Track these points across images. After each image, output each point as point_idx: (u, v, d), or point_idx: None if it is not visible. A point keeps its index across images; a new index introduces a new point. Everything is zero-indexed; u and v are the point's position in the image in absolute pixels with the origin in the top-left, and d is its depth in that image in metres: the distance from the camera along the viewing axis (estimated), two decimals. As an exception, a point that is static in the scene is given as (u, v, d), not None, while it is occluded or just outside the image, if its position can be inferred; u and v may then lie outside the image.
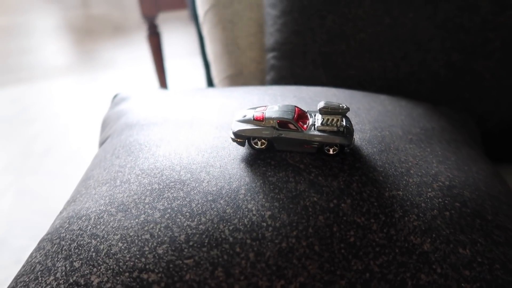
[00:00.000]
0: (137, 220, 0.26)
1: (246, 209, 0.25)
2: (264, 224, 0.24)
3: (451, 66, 0.52)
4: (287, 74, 0.55)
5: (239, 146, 0.30)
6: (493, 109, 0.53)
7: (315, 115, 0.30)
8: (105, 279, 0.23)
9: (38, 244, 0.28)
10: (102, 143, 0.43)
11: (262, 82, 0.65)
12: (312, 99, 0.38)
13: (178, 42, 2.32)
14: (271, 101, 0.39)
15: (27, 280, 0.25)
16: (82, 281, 0.23)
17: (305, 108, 0.36)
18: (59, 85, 1.95)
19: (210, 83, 0.78)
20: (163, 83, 1.45)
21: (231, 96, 0.42)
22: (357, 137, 0.31)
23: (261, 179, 0.27)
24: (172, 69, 2.00)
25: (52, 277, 0.24)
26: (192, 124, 0.35)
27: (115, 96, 0.51)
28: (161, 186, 0.28)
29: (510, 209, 0.29)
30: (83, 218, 0.27)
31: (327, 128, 0.28)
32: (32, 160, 1.47)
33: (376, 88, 0.53)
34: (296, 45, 0.55)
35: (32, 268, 0.26)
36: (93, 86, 1.90)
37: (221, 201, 0.26)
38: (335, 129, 0.28)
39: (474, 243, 0.25)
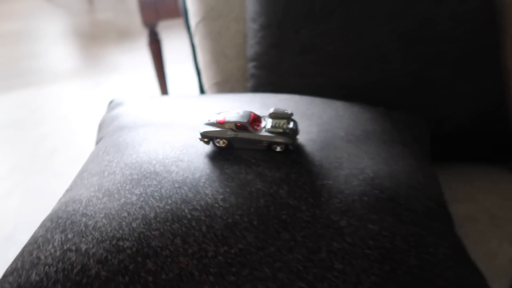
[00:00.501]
0: (118, 202, 0.32)
1: (203, 194, 0.32)
2: (216, 205, 0.31)
3: (410, 75, 0.58)
4: (265, 82, 0.62)
5: (205, 145, 0.37)
6: (449, 114, 0.59)
7: (267, 119, 0.37)
8: (91, 246, 0.30)
9: (41, 223, 0.35)
10: (97, 142, 0.50)
11: (246, 88, 0.72)
12: (275, 105, 0.45)
13: (180, 48, 2.40)
14: (241, 107, 0.46)
15: (31, 248, 0.32)
16: (73, 248, 0.30)
17: (263, 113, 0.43)
18: (66, 89, 2.03)
19: (201, 88, 0.85)
20: (163, 88, 1.52)
21: (209, 102, 0.49)
22: (303, 137, 0.38)
23: (219, 170, 0.34)
24: (173, 74, 2.07)
25: (50, 246, 0.31)
26: (171, 126, 0.42)
27: (111, 102, 0.58)
28: (139, 176, 0.34)
29: (423, 196, 0.35)
30: (76, 202, 0.34)
31: (275, 130, 0.35)
32: (39, 160, 1.55)
33: (343, 95, 0.59)
34: (273, 56, 0.61)
35: (35, 240, 0.32)
36: (98, 90, 1.98)
37: (185, 188, 0.32)
38: (282, 130, 0.35)
39: (382, 220, 0.31)
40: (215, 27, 0.75)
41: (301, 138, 0.38)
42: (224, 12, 0.75)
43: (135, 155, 0.37)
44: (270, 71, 0.61)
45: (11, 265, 0.32)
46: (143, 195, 0.32)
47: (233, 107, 0.45)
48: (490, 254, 0.51)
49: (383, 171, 0.36)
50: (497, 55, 0.61)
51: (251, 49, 0.64)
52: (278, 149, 0.35)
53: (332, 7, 0.59)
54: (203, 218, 0.30)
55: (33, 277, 0.29)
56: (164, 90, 1.49)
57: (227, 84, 0.75)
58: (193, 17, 0.79)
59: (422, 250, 0.31)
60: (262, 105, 0.45)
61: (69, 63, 2.36)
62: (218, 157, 0.35)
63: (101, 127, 0.53)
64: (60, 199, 0.37)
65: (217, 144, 0.36)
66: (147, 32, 1.43)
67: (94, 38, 2.77)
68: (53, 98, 1.97)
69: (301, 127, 0.40)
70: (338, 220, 0.31)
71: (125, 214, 0.31)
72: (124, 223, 0.30)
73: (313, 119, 0.41)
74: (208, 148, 0.37)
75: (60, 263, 0.29)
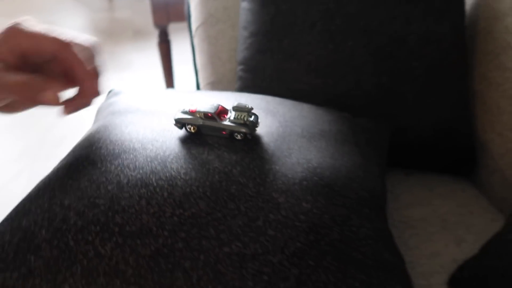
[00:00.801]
0: (99, 170, 0.39)
1: (170, 168, 0.38)
2: (179, 177, 0.37)
3: (380, 87, 0.64)
4: (250, 84, 0.68)
5: (179, 129, 0.44)
6: (415, 124, 0.65)
7: (232, 112, 0.43)
8: (72, 201, 0.36)
9: (35, 185, 0.42)
10: (93, 124, 0.57)
11: (234, 88, 0.78)
12: (247, 102, 0.51)
13: (188, 49, 2.47)
14: (219, 102, 0.52)
15: (25, 202, 0.38)
16: (58, 202, 0.37)
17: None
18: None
19: (198, 87, 0.92)
20: (170, 85, 1.60)
21: (193, 96, 0.55)
22: (263, 130, 0.44)
23: (186, 151, 0.40)
24: (180, 73, 2.15)
25: (40, 200, 0.38)
26: (154, 113, 0.49)
27: (109, 91, 0.65)
28: (119, 151, 0.41)
29: (359, 187, 0.41)
30: (66, 168, 0.41)
31: (237, 121, 0.41)
32: (46, 147, 1.63)
33: (319, 101, 0.65)
34: (258, 62, 0.68)
35: (29, 196, 0.39)
36: (110, 85, 2.07)
37: (155, 162, 0.39)
38: (242, 122, 0.41)
39: (316, 201, 0.37)
40: (213, 32, 0.82)
41: (261, 130, 0.44)
42: (222, 19, 0.81)
43: (120, 134, 0.44)
44: (255, 75, 0.68)
45: (8, 214, 0.38)
46: (120, 165, 0.39)
47: (216, 102, 0.51)
48: (435, 253, 0.56)
49: (327, 163, 0.42)
50: (464, 74, 0.67)
51: (240, 53, 0.71)
52: (238, 137, 0.41)
53: (314, 20, 0.65)
54: (166, 186, 0.37)
55: (24, 223, 0.36)
56: (170, 87, 1.56)
57: (220, 84, 0.81)
58: (195, 21, 0.86)
59: (346, 228, 0.37)
60: (237, 101, 0.51)
61: (83, 57, 2.44)
62: (187, 140, 0.42)
63: (98, 112, 0.59)
64: (54, 167, 0.44)
65: (188, 130, 0.42)
66: (158, 32, 1.51)
67: (111, 35, 2.87)
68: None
69: (263, 121, 0.46)
70: (278, 197, 0.37)
71: (103, 179, 0.38)
72: (101, 185, 0.37)
73: (276, 116, 0.48)
74: (181, 132, 0.43)
75: (46, 213, 0.36)
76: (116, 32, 2.90)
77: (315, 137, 0.46)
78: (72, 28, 2.94)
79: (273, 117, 0.48)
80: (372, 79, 0.64)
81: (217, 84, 0.82)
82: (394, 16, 0.64)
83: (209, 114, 0.41)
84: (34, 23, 0.37)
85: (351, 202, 0.39)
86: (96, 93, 0.39)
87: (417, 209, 0.64)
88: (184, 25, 2.88)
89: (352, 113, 0.65)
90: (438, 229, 0.61)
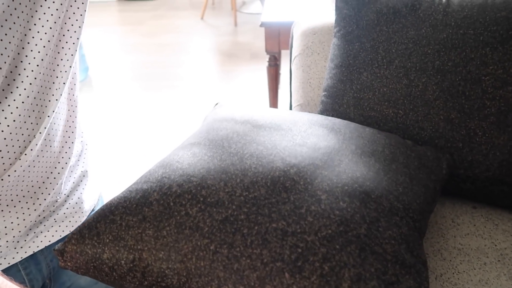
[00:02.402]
0: (197, 158, 0.54)
1: (244, 162, 0.52)
2: (250, 169, 0.50)
3: (449, 121, 0.70)
4: (329, 108, 0.79)
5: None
6: (482, 158, 0.69)
7: None
8: (177, 177, 0.52)
9: (154, 165, 0.59)
10: (201, 127, 0.74)
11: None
12: (321, 121, 0.63)
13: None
14: (302, 119, 0.65)
15: (147, 174, 0.55)
16: (167, 176, 0.52)
17: None
18: (201, 93, 2.43)
19: (290, 107, 1.05)
20: (274, 105, 1.77)
21: (278, 114, 0.69)
22: (322, 143, 0.55)
23: (259, 152, 0.53)
24: (282, 94, 2.32)
25: (156, 174, 0.54)
26: (242, 122, 0.63)
27: (216, 104, 0.82)
28: (212, 147, 0.56)
29: (394, 199, 0.49)
30: (175, 155, 0.57)
31: None
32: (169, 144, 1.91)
33: (388, 128, 0.73)
34: (338, 90, 0.78)
35: (149, 171, 0.56)
36: (224, 98, 2.34)
37: (235, 157, 0.53)
38: None
39: (351, 202, 0.47)
40: (307, 61, 0.95)
41: (321, 143, 0.55)
42: (316, 51, 0.94)
43: (214, 135, 0.59)
44: (335, 101, 0.79)
45: (136, 180, 0.56)
46: (211, 157, 0.54)
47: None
48: (483, 281, 0.60)
49: (370, 175, 0.51)
50: (542, 117, 0.68)
51: (325, 81, 0.83)
52: None
53: (393, 57, 0.74)
54: (239, 174, 0.50)
55: (144, 186, 0.52)
56: (273, 106, 1.73)
57: (307, 106, 0.94)
58: (294, 51, 1.00)
59: (373, 227, 0.46)
60: (311, 120, 0.63)
61: (207, 74, 2.79)
62: (264, 143, 0.55)
63: (205, 119, 0.77)
64: (168, 153, 0.61)
65: None
66: (268, 57, 1.70)
67: (231, 56, 3.20)
68: (190, 99, 2.38)
69: (325, 137, 0.57)
70: (321, 195, 0.47)
71: (199, 164, 0.53)
72: (196, 168, 0.52)
73: (337, 135, 0.58)
74: (259, 138, 0.56)
75: (159, 183, 0.52)
76: (237, 54, 3.23)
77: (366, 154, 0.55)
78: (200, 48, 3.35)
79: (334, 135, 0.58)
80: (441, 113, 0.70)
81: (305, 106, 0.94)
82: (470, 58, 0.70)
83: None
84: None
85: (383, 208, 0.48)
86: None
87: (476, 239, 0.67)
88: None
89: (419, 143, 0.71)
90: (493, 260, 0.63)
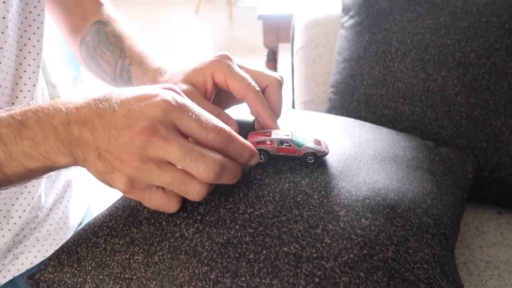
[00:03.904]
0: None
1: (248, 173, 0.44)
2: (254, 181, 0.43)
3: (472, 119, 0.63)
4: (338, 106, 0.72)
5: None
6: (509, 160, 0.62)
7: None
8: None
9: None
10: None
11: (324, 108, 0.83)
12: (330, 122, 0.56)
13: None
14: (307, 120, 0.58)
15: (135, 187, 0.48)
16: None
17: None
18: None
19: (293, 104, 0.98)
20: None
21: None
22: (337, 149, 0.48)
23: (266, 164, 0.46)
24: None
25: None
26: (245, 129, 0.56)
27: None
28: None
29: (423, 213, 0.42)
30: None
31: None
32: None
33: (404, 127, 0.66)
34: (348, 85, 0.71)
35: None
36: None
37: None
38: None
39: (375, 219, 0.40)
40: (312, 55, 0.88)
41: (335, 148, 0.48)
42: (321, 43, 0.87)
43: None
44: (344, 98, 0.72)
45: (122, 195, 0.48)
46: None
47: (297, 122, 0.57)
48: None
49: (393, 185, 0.44)
50: None
51: (333, 76, 0.75)
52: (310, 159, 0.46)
53: (408, 49, 0.67)
54: (242, 187, 0.43)
55: (132, 202, 0.45)
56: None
57: (312, 104, 0.86)
58: (296, 44, 0.93)
59: (402, 249, 0.39)
60: (318, 122, 0.56)
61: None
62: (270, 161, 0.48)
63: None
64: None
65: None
66: (267, 51, 1.63)
67: (227, 51, 3.12)
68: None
69: (338, 140, 0.50)
70: (338, 210, 0.40)
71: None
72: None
73: (352, 138, 0.51)
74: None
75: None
76: (233, 49, 3.15)
77: (387, 161, 0.48)
78: (194, 42, 3.27)
79: (348, 138, 0.51)
80: (463, 110, 0.63)
81: (309, 104, 0.87)
82: (495, 48, 0.63)
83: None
84: (236, 63, 0.46)
85: (412, 225, 0.41)
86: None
87: (504, 250, 0.61)
88: (288, 47, 3.00)
89: (439, 142, 0.65)
90: (525, 274, 0.57)
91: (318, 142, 0.45)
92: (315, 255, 0.37)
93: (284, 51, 2.95)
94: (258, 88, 0.45)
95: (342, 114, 0.71)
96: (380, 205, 0.41)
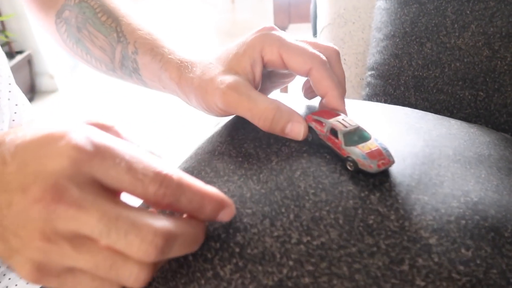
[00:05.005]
0: (222, 178, 0.36)
1: (297, 185, 0.34)
2: (307, 197, 0.33)
3: (550, 104, 0.52)
4: (380, 92, 0.61)
5: (307, 141, 0.39)
6: None
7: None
8: (193, 211, 0.34)
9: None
10: (215, 125, 0.56)
11: (360, 96, 0.71)
12: (379, 112, 0.45)
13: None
14: (348, 110, 0.47)
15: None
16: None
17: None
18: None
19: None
20: (284, 91, 1.58)
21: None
22: (406, 150, 0.37)
23: (315, 167, 0.35)
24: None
25: (162, 205, 0.36)
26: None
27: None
28: (242, 160, 0.38)
29: (536, 235, 0.32)
30: (188, 173, 0.39)
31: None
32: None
33: (465, 116, 0.55)
34: (392, 67, 0.60)
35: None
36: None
37: (281, 177, 0.35)
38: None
39: (479, 248, 0.29)
40: (340, 33, 0.76)
41: (403, 149, 0.37)
42: (351, 19, 0.75)
43: (242, 140, 0.41)
44: (387, 82, 0.60)
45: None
46: (243, 176, 0.36)
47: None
48: None
49: (490, 198, 0.33)
50: None
51: (371, 57, 0.64)
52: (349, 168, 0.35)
53: (467, 21, 0.55)
54: (292, 206, 0.32)
55: (145, 227, 0.35)
56: (283, 89, 1.54)
57: (343, 90, 0.75)
58: (321, 22, 0.81)
59: (521, 290, 0.28)
60: (371, 113, 0.45)
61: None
62: (316, 153, 0.37)
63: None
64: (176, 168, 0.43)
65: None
66: (276, 33, 1.50)
67: (231, 35, 2.99)
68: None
69: (404, 138, 0.39)
70: (428, 237, 0.30)
71: (226, 190, 0.35)
72: (223, 197, 0.34)
73: (420, 134, 0.40)
74: (306, 145, 0.39)
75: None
76: (237, 33, 3.01)
77: (471, 163, 0.37)
78: (197, 27, 3.13)
79: (416, 134, 0.40)
80: (539, 93, 0.52)
81: (339, 90, 0.76)
82: None
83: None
84: (283, 34, 0.37)
85: (526, 254, 0.30)
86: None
87: None
88: (300, 27, 2.86)
89: (508, 134, 0.54)
90: None
91: (373, 153, 0.34)
92: (405, 304, 0.27)
93: (295, 32, 2.81)
94: (325, 59, 0.35)
95: (386, 102, 0.60)
96: (481, 227, 0.31)
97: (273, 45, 0.35)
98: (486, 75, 0.54)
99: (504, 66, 0.53)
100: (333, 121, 0.36)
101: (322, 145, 0.37)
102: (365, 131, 0.35)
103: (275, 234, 0.31)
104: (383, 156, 0.33)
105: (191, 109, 1.92)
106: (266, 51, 0.35)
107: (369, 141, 0.35)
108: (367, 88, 0.64)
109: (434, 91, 0.57)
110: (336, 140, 0.35)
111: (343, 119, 0.36)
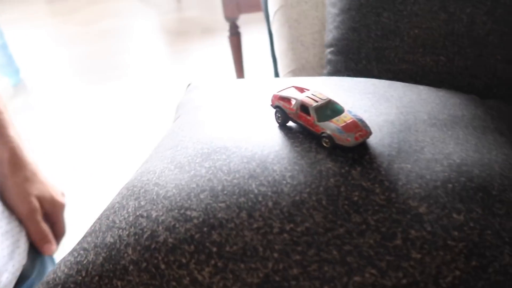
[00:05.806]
0: (188, 174, 0.33)
1: (271, 170, 0.31)
2: (284, 181, 0.30)
3: (510, 61, 0.52)
4: (341, 68, 0.59)
5: (275, 123, 0.36)
6: (557, 105, 0.52)
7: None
8: (160, 213, 0.30)
9: (119, 191, 0.37)
10: (174, 121, 0.52)
11: (320, 75, 0.70)
12: (348, 86, 0.43)
13: (257, 41, 2.42)
14: (317, 88, 0.44)
15: (108, 213, 0.34)
16: (145, 214, 0.31)
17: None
18: (153, 80, 2.16)
19: (277, 77, 0.84)
20: (240, 77, 1.55)
21: (280, 83, 0.48)
22: (380, 119, 0.35)
23: (289, 148, 0.33)
24: (250, 66, 2.11)
25: (125, 211, 0.32)
26: (245, 106, 0.42)
27: (188, 85, 0.60)
28: (209, 151, 0.34)
29: (522, 189, 0.31)
30: (150, 172, 0.35)
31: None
32: (125, 138, 1.66)
33: (428, 82, 0.54)
34: (351, 41, 0.58)
35: (113, 205, 0.34)
36: (182, 80, 2.08)
37: (253, 163, 0.32)
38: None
39: (470, 211, 0.28)
40: (293, 14, 0.74)
41: (378, 118, 0.35)
42: (303, -2, 0.73)
43: (207, 132, 0.38)
44: (348, 57, 0.59)
45: (91, 226, 0.34)
46: (212, 168, 0.32)
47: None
48: None
49: (472, 158, 0.32)
50: None
51: (329, 34, 0.62)
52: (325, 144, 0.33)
53: (420, -14, 0.54)
54: (269, 194, 0.29)
55: (108, 238, 0.31)
56: (240, 73, 1.52)
57: (303, 71, 0.73)
58: (272, 5, 0.78)
59: (518, 248, 0.27)
60: (339, 87, 0.43)
61: (156, 57, 2.51)
62: (288, 134, 0.34)
63: (178, 107, 0.54)
64: (137, 170, 0.39)
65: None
66: (229, 25, 1.47)
67: (180, 34, 2.91)
68: (142, 87, 2.11)
69: (377, 108, 0.37)
70: (417, 206, 0.28)
71: (194, 185, 0.31)
72: (192, 193, 0.31)
73: (391, 101, 0.38)
74: (277, 126, 0.36)
75: (132, 228, 0.30)
76: (185, 31, 2.94)
77: (447, 125, 0.36)
78: (142, 30, 3.03)
79: (388, 103, 0.38)
80: (498, 52, 0.52)
81: (299, 72, 0.74)
82: (526, -30, 0.51)
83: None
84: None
85: (517, 211, 0.29)
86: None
87: None
88: (251, 18, 2.83)
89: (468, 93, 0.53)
90: None
91: (349, 126, 0.31)
92: (404, 281, 0.25)
93: (245, 25, 2.78)
94: None
95: (347, 76, 0.59)
96: (469, 188, 0.29)
97: None
98: (445, 39, 0.54)
99: (462, 28, 0.53)
100: (302, 97, 0.33)
101: (293, 124, 0.35)
102: (337, 103, 0.33)
103: (255, 226, 0.28)
104: (360, 128, 0.31)
105: (147, 112, 1.85)
106: None
107: (343, 114, 0.32)
108: (328, 66, 0.62)
109: (396, 61, 0.56)
110: (308, 117, 0.32)
111: (312, 94, 0.33)
